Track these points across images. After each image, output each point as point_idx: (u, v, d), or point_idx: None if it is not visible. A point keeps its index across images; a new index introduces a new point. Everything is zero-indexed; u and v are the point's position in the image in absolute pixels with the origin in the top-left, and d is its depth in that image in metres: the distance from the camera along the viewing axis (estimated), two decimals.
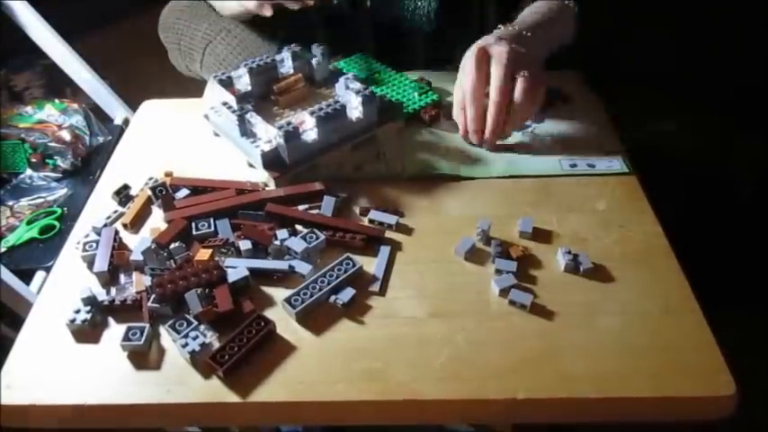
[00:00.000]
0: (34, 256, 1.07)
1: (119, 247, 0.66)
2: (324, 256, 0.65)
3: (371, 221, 0.69)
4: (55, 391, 0.54)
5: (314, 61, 0.83)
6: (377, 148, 0.79)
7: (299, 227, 0.68)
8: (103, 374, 0.55)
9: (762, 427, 1.17)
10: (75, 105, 1.33)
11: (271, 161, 0.73)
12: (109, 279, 0.63)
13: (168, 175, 0.75)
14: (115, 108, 1.34)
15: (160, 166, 0.77)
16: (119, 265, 0.64)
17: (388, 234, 0.68)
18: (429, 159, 0.77)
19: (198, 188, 0.73)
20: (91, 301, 0.60)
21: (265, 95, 0.81)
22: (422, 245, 0.67)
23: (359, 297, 0.61)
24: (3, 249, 1.07)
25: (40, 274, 1.05)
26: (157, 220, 0.71)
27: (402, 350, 0.56)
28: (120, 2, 2.11)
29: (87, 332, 0.59)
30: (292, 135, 0.72)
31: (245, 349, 0.55)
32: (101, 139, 1.31)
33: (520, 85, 0.73)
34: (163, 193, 0.72)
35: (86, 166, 1.25)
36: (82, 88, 1.32)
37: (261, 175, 0.74)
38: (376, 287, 0.62)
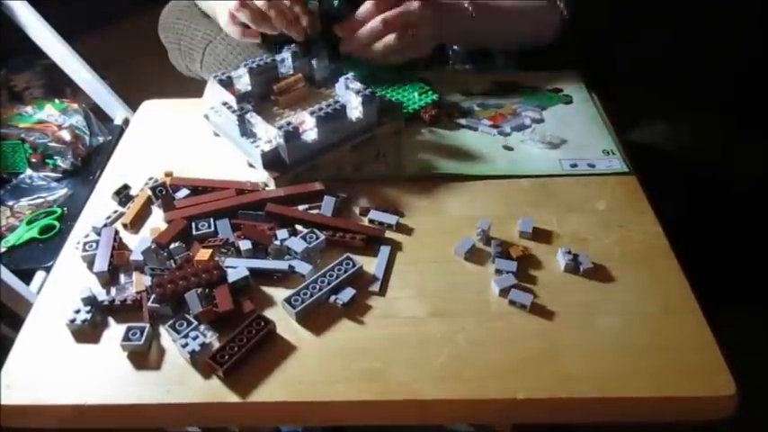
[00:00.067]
0: (34, 256, 1.07)
1: (119, 247, 0.66)
2: (324, 256, 0.65)
3: (371, 221, 0.69)
4: (55, 391, 0.54)
5: (314, 61, 0.83)
6: (377, 148, 0.79)
7: (299, 227, 0.68)
8: (103, 374, 0.55)
9: (762, 427, 1.17)
10: (75, 105, 1.33)
11: (271, 161, 0.73)
12: (109, 279, 0.63)
13: (168, 175, 0.75)
14: (115, 108, 1.34)
15: (160, 166, 0.77)
16: (119, 265, 0.64)
17: (388, 234, 0.68)
18: (429, 159, 0.77)
19: (198, 188, 0.73)
20: (91, 301, 0.60)
21: (265, 95, 0.81)
22: (422, 245, 0.67)
23: (359, 297, 0.61)
24: (3, 249, 1.07)
25: (40, 274, 1.05)
26: (157, 220, 0.71)
27: (402, 350, 0.56)
28: (120, 2, 2.11)
29: (87, 332, 0.59)
30: (292, 135, 0.72)
31: (245, 349, 0.55)
32: (101, 139, 1.31)
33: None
34: (163, 193, 0.72)
35: (86, 166, 1.25)
36: (82, 88, 1.32)
37: (261, 175, 0.74)
38: (376, 287, 0.62)
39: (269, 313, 0.59)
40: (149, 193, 0.72)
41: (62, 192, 1.20)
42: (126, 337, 0.57)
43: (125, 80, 1.49)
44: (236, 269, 0.62)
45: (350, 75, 0.79)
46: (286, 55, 0.82)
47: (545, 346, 0.56)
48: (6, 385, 0.54)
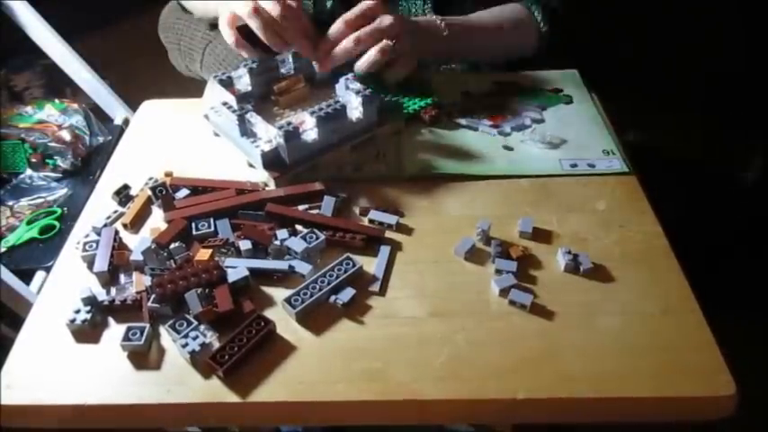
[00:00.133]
0: (34, 256, 1.07)
1: (119, 247, 0.66)
2: (324, 256, 0.65)
3: (371, 221, 0.69)
4: (55, 391, 0.54)
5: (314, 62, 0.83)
6: (377, 149, 0.79)
7: (299, 227, 0.68)
8: (103, 374, 0.55)
9: (762, 427, 1.17)
10: (75, 105, 1.33)
11: (271, 161, 0.73)
12: (109, 279, 0.63)
13: (168, 175, 0.75)
14: (115, 108, 1.34)
15: (160, 166, 0.77)
16: (119, 265, 0.64)
17: (388, 234, 0.68)
18: (429, 159, 0.77)
19: (198, 188, 0.73)
20: (91, 301, 0.60)
21: (265, 96, 0.81)
22: (422, 245, 0.67)
23: (359, 297, 0.61)
24: (3, 249, 1.07)
25: (40, 274, 1.05)
26: (157, 220, 0.71)
27: (402, 350, 0.56)
28: (120, 2, 2.11)
29: (87, 332, 0.59)
30: (292, 135, 0.72)
31: (245, 349, 0.55)
32: (101, 139, 1.31)
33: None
34: (163, 193, 0.72)
35: (86, 166, 1.25)
36: (82, 88, 1.32)
37: (261, 175, 0.74)
38: (376, 287, 0.62)
39: (269, 313, 0.59)
40: (149, 193, 0.72)
41: (62, 192, 1.20)
42: (126, 337, 0.57)
43: (125, 80, 1.49)
44: (236, 269, 0.62)
45: (350, 75, 0.79)
46: (286, 55, 0.82)
47: (545, 346, 0.56)
48: (6, 385, 0.54)
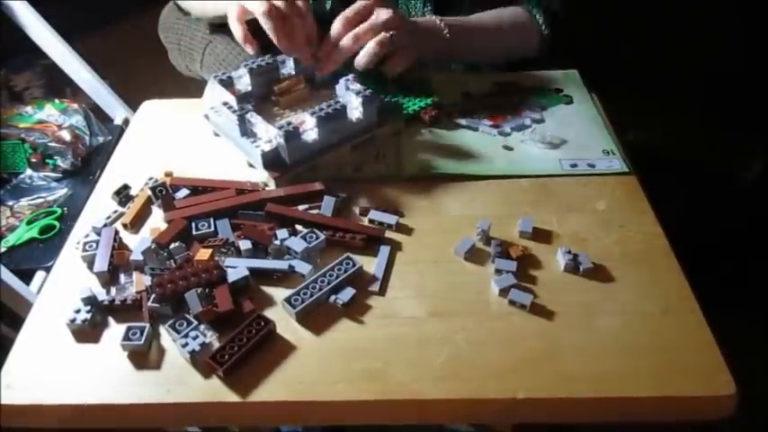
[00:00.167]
0: (34, 256, 1.07)
1: (119, 247, 0.66)
2: (324, 256, 0.65)
3: (371, 221, 0.69)
4: (55, 391, 0.54)
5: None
6: (377, 149, 0.79)
7: (299, 227, 0.68)
8: (103, 374, 0.55)
9: (762, 427, 1.17)
10: (75, 105, 1.33)
11: (271, 161, 0.73)
12: (109, 279, 0.63)
13: (168, 175, 0.75)
14: (115, 108, 1.34)
15: (160, 166, 0.77)
16: (119, 265, 0.64)
17: (388, 234, 0.68)
18: (429, 159, 0.77)
19: (198, 188, 0.73)
20: (91, 301, 0.60)
21: (266, 96, 0.81)
22: (422, 245, 0.67)
23: (359, 297, 0.61)
24: (3, 249, 1.07)
25: (40, 274, 1.05)
26: (157, 220, 0.71)
27: (402, 350, 0.56)
28: (120, 2, 2.11)
29: (87, 332, 0.59)
30: (292, 135, 0.72)
31: (245, 349, 0.55)
32: (101, 139, 1.31)
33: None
34: (163, 193, 0.72)
35: (86, 166, 1.25)
36: (82, 88, 1.32)
37: (261, 175, 0.74)
38: (376, 287, 0.62)
39: (269, 313, 0.59)
40: (149, 193, 0.72)
41: (62, 192, 1.20)
42: (126, 337, 0.57)
43: (125, 80, 1.49)
44: (236, 269, 0.62)
45: (350, 76, 0.79)
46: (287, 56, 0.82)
47: (545, 346, 0.56)
48: (6, 385, 0.54)
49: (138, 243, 0.65)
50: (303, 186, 0.72)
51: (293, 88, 0.80)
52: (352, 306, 0.60)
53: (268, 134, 0.74)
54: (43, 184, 1.21)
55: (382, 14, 0.79)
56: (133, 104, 1.29)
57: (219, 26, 1.00)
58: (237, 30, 0.79)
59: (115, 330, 0.59)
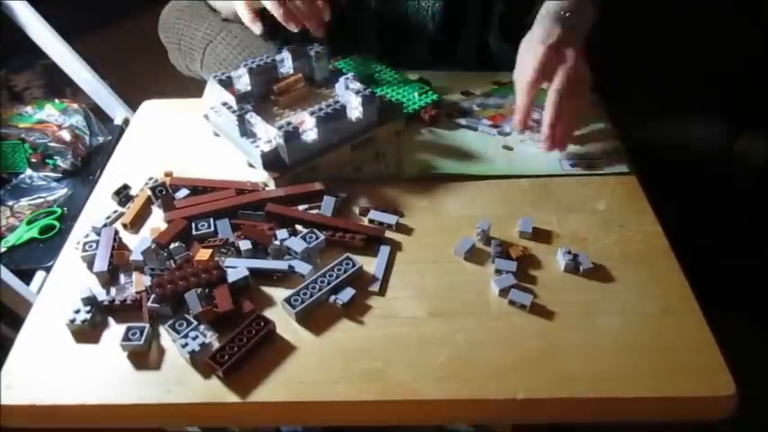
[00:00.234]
0: (34, 256, 1.07)
1: (119, 247, 0.66)
2: (324, 256, 0.65)
3: (371, 221, 0.69)
4: (55, 391, 0.54)
5: (314, 62, 0.83)
6: (376, 149, 0.79)
7: (298, 227, 0.68)
8: (103, 374, 0.55)
9: (762, 427, 1.17)
10: (75, 105, 1.33)
11: (271, 161, 0.73)
12: (109, 279, 0.63)
13: (168, 175, 0.75)
14: (115, 108, 1.34)
15: (160, 166, 0.77)
16: (119, 265, 0.64)
17: (388, 234, 0.68)
18: (429, 159, 0.77)
19: (198, 188, 0.73)
20: (91, 301, 0.60)
21: (265, 95, 0.81)
22: (422, 245, 0.67)
23: (359, 297, 0.61)
24: (3, 249, 1.08)
25: (40, 274, 1.05)
26: (157, 220, 0.71)
27: (402, 350, 0.56)
28: (120, 2, 2.11)
29: (87, 332, 0.59)
30: (292, 135, 0.72)
31: (245, 349, 0.55)
32: (101, 139, 1.31)
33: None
34: (163, 193, 0.72)
35: (86, 166, 1.25)
36: (82, 88, 1.33)
37: (261, 175, 0.74)
38: (376, 287, 0.62)
39: (269, 313, 0.59)
40: (149, 193, 0.72)
41: (62, 192, 1.20)
42: (126, 337, 0.57)
43: (125, 80, 1.49)
44: (236, 269, 0.62)
45: (350, 75, 0.79)
46: (286, 55, 0.82)
47: (545, 346, 0.56)
48: (6, 385, 0.54)
49: (137, 243, 0.65)
50: (303, 186, 0.72)
51: (293, 87, 0.80)
52: (352, 306, 0.60)
53: (268, 134, 0.74)
54: (43, 184, 1.22)
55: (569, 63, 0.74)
56: (133, 104, 1.29)
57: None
58: (245, 15, 0.80)
59: (115, 330, 0.59)
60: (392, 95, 0.86)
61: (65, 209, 1.15)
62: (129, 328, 0.57)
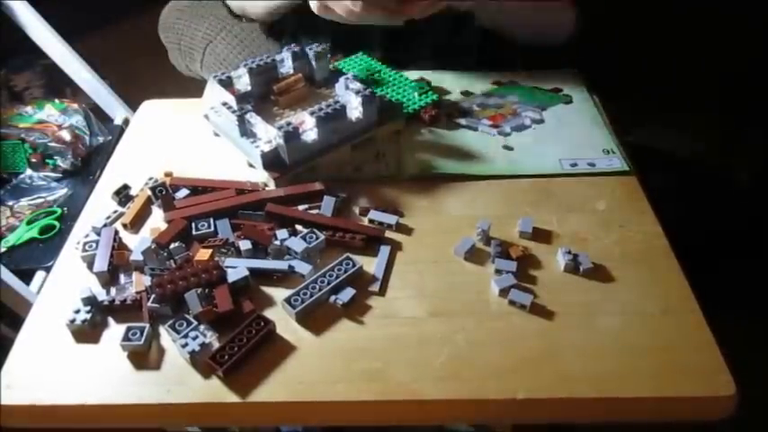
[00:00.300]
0: (34, 256, 1.07)
1: (119, 247, 0.66)
2: (324, 256, 0.65)
3: (371, 221, 0.69)
4: (55, 391, 0.54)
5: (312, 59, 0.83)
6: (377, 149, 0.79)
7: (298, 227, 0.68)
8: (103, 374, 0.55)
9: (762, 427, 1.17)
10: (75, 105, 1.33)
11: (271, 161, 0.73)
12: (109, 279, 0.63)
13: (168, 175, 0.75)
14: (115, 108, 1.34)
15: (160, 166, 0.77)
16: (119, 265, 0.64)
17: (388, 234, 0.68)
18: (429, 159, 0.77)
19: (198, 188, 0.73)
20: (91, 301, 0.60)
21: (265, 95, 0.81)
22: (422, 245, 0.67)
23: (359, 297, 0.61)
24: (3, 249, 1.07)
25: (40, 274, 1.05)
26: (157, 220, 0.71)
27: (402, 350, 0.56)
28: (120, 2, 2.11)
29: (87, 332, 0.59)
30: (292, 135, 0.72)
31: (245, 349, 0.55)
32: (101, 139, 1.31)
33: None
34: (163, 193, 0.72)
35: (86, 166, 1.25)
36: (82, 88, 1.32)
37: (261, 175, 0.74)
38: (376, 287, 0.62)
39: (269, 313, 0.59)
40: (149, 193, 0.72)
41: (62, 192, 1.20)
42: (126, 337, 0.57)
43: (125, 80, 1.49)
44: (236, 269, 0.62)
45: (350, 75, 0.79)
46: (286, 55, 0.82)
47: (545, 346, 0.56)
48: (6, 385, 0.54)
49: (137, 243, 0.65)
50: (303, 186, 0.72)
51: (293, 87, 0.80)
52: (352, 306, 0.60)
53: (268, 134, 0.74)
54: (43, 184, 1.21)
55: None
56: (133, 104, 1.29)
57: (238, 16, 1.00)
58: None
59: (115, 330, 0.59)
60: (392, 95, 0.86)
61: (65, 209, 1.15)
62: (129, 328, 0.57)
